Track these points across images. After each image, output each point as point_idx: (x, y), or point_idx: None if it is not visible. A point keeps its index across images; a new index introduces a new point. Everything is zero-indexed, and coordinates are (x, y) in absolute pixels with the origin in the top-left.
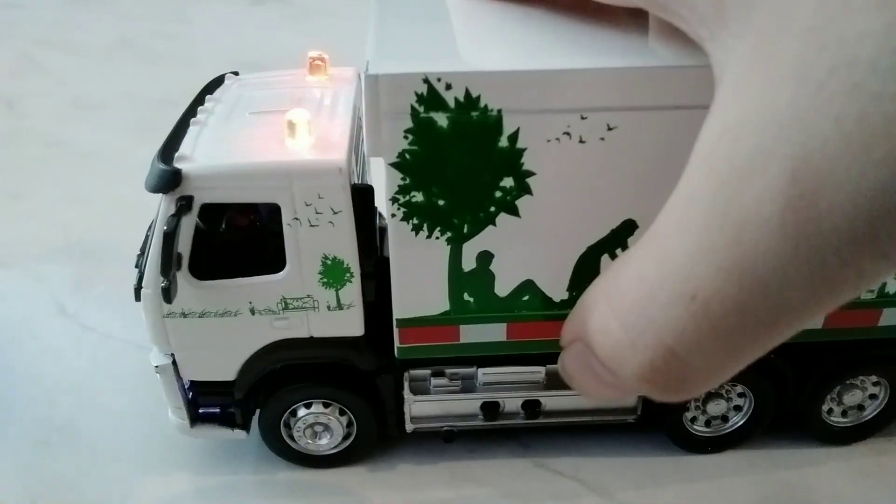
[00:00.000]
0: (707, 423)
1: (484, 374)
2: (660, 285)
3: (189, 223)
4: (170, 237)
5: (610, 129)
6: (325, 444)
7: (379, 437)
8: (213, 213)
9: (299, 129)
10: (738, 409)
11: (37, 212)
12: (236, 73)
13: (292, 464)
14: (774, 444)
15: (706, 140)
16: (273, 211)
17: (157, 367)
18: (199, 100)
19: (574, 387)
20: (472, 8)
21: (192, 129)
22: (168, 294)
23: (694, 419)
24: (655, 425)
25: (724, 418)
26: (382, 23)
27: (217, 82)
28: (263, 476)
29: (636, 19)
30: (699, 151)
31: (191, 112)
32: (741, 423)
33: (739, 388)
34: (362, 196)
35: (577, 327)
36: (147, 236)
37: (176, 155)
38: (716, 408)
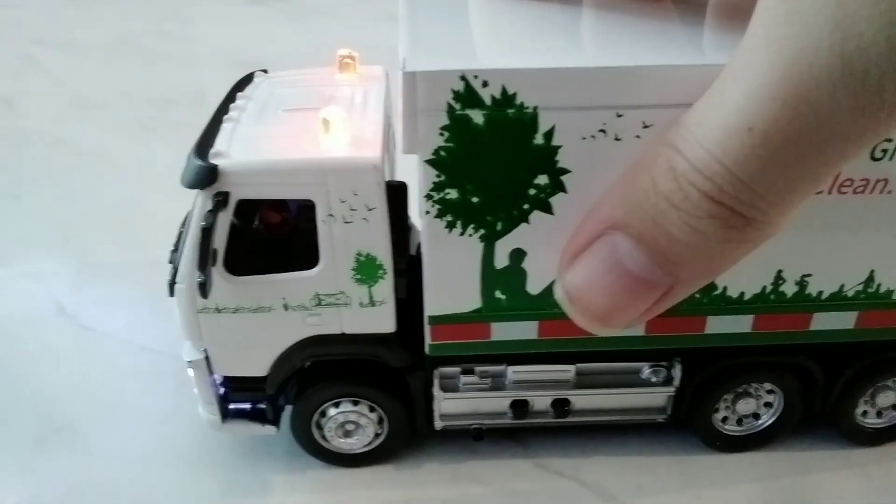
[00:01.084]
0: (737, 423)
1: (514, 372)
2: (718, 122)
3: (225, 219)
4: (207, 233)
5: (645, 126)
6: (357, 442)
7: (409, 435)
8: (245, 209)
9: (334, 127)
10: (768, 406)
11: (36, 212)
12: (265, 71)
13: (319, 462)
14: (775, 445)
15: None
16: (303, 207)
17: (189, 362)
18: (230, 97)
19: (588, 306)
20: (498, 6)
21: (226, 126)
22: (204, 289)
23: (725, 419)
24: (684, 425)
25: (754, 416)
26: (413, 21)
27: (247, 80)
28: (264, 475)
29: (666, 14)
30: (758, 9)
31: (223, 109)
32: (770, 422)
33: (768, 387)
34: (396, 193)
35: (606, 217)
36: (180, 232)
37: (212, 151)
38: (745, 406)
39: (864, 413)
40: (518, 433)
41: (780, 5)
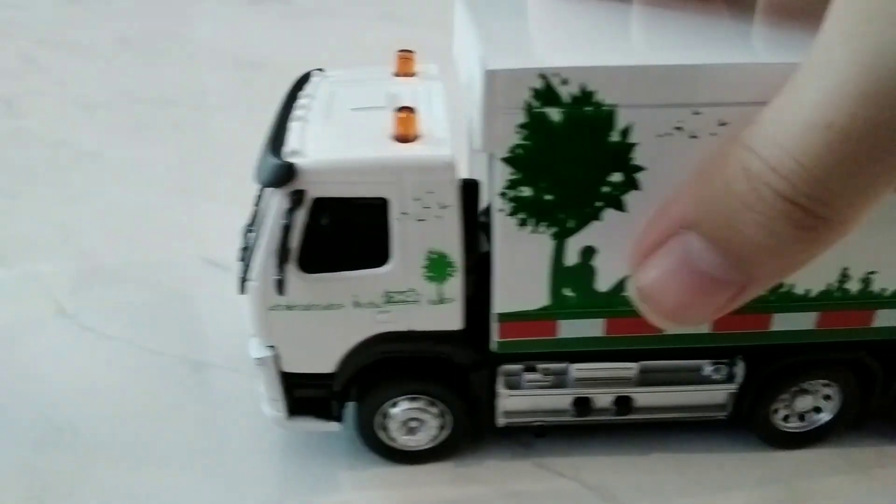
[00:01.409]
0: (796, 419)
1: (576, 369)
2: (794, 120)
3: (300, 217)
4: (286, 231)
5: (721, 124)
6: (420, 439)
7: (471, 432)
8: (316, 207)
9: (408, 125)
10: (825, 402)
11: (36, 212)
12: (321, 70)
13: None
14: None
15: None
16: (367, 205)
17: (258, 359)
18: (292, 96)
19: (661, 305)
20: (557, 5)
21: (295, 125)
22: (281, 287)
23: (786, 417)
24: (744, 422)
25: (814, 411)
26: (481, 21)
27: (304, 79)
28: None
29: (725, 13)
30: (834, 5)
31: (288, 108)
32: (827, 419)
33: (826, 384)
34: (469, 191)
35: (678, 216)
36: (248, 231)
37: (288, 150)
38: (803, 404)
39: None
40: (518, 433)
41: (859, 1)
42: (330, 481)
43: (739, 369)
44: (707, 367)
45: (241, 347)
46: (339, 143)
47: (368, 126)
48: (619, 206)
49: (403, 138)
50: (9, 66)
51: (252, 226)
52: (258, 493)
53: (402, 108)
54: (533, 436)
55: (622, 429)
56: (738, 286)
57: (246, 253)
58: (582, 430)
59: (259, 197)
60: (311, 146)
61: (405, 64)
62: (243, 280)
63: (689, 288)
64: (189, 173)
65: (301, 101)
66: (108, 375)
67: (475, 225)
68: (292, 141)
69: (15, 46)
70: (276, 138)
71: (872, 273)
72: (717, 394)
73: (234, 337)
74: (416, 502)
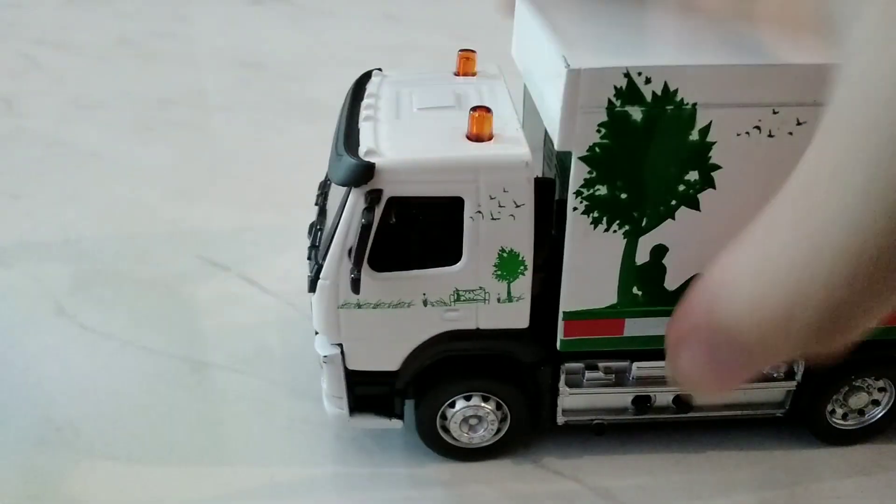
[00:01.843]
0: (852, 416)
1: (638, 368)
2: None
3: (375, 216)
4: (366, 230)
5: (799, 123)
6: (481, 436)
7: (529, 429)
8: (389, 206)
9: (483, 125)
10: (876, 403)
11: (36, 212)
12: (380, 70)
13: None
14: (775, 444)
15: (850, 92)
16: (440, 204)
17: (325, 356)
18: (355, 96)
19: (696, 384)
20: (621, 6)
21: (366, 125)
22: (357, 285)
23: (844, 416)
24: (800, 420)
25: (873, 404)
26: (552, 21)
27: (365, 78)
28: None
29: (796, 15)
30: (839, 110)
31: (354, 108)
32: (880, 415)
33: (881, 384)
34: (545, 189)
35: (699, 312)
36: (316, 230)
37: (364, 150)
38: (857, 401)
39: None
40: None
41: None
42: (328, 481)
43: (799, 366)
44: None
45: (242, 347)
46: (413, 143)
47: (440, 126)
48: (695, 205)
49: (478, 137)
50: (9, 66)
51: (319, 225)
52: (258, 492)
53: (478, 108)
54: (593, 434)
55: (622, 428)
56: (755, 368)
57: (314, 252)
58: (582, 430)
59: (322, 196)
60: (385, 146)
61: (466, 64)
62: (314, 279)
63: (713, 375)
64: (188, 173)
65: (366, 101)
66: (108, 375)
67: (548, 224)
68: (366, 141)
69: (15, 46)
70: (348, 138)
71: None
72: (774, 391)
73: (234, 337)
74: (417, 500)
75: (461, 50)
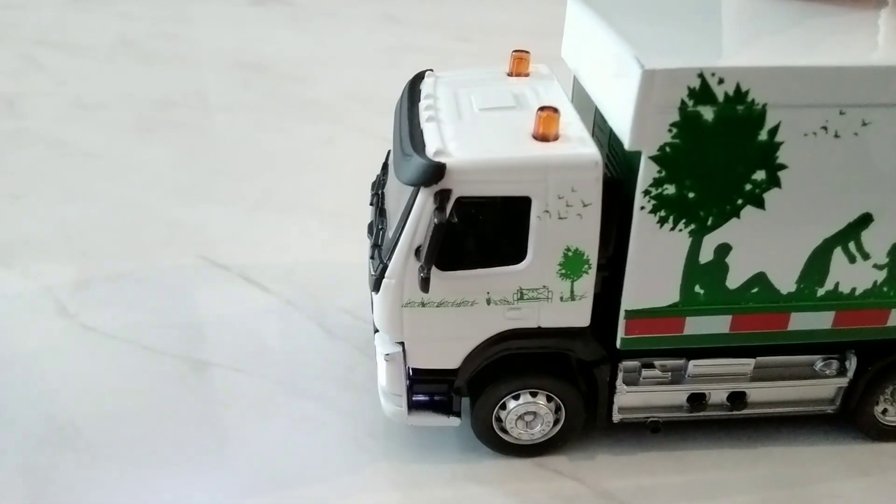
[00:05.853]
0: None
1: (694, 365)
2: None
3: (446, 216)
4: (439, 229)
5: (864, 124)
6: (536, 432)
7: (583, 426)
8: (456, 206)
9: (551, 125)
10: None
11: (37, 212)
12: (431, 70)
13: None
14: (774, 443)
15: None
16: (505, 203)
17: (387, 355)
18: (411, 97)
19: None
20: (680, 2)
21: (429, 126)
22: (427, 284)
23: (885, 411)
24: (850, 417)
25: None
26: (612, 20)
27: (418, 79)
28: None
29: (871, 15)
30: None
31: (412, 109)
32: None
33: None
34: (612, 189)
35: None
36: (377, 228)
37: (432, 150)
38: None
39: None
40: None
41: None
42: (328, 481)
43: (852, 363)
44: (818, 362)
45: (242, 347)
46: (481, 143)
47: (504, 126)
48: (760, 204)
49: (545, 137)
50: (9, 66)
51: (380, 225)
52: (258, 492)
53: (545, 108)
54: (649, 431)
55: (622, 428)
56: None
57: (378, 251)
58: (582, 430)
59: (378, 196)
60: (452, 146)
61: (520, 64)
62: (379, 278)
63: None
64: (189, 173)
65: (424, 101)
66: (109, 375)
67: (613, 223)
68: (433, 141)
69: (15, 46)
70: (413, 138)
71: None
72: (825, 388)
73: (235, 336)
74: (415, 502)
75: (515, 50)
